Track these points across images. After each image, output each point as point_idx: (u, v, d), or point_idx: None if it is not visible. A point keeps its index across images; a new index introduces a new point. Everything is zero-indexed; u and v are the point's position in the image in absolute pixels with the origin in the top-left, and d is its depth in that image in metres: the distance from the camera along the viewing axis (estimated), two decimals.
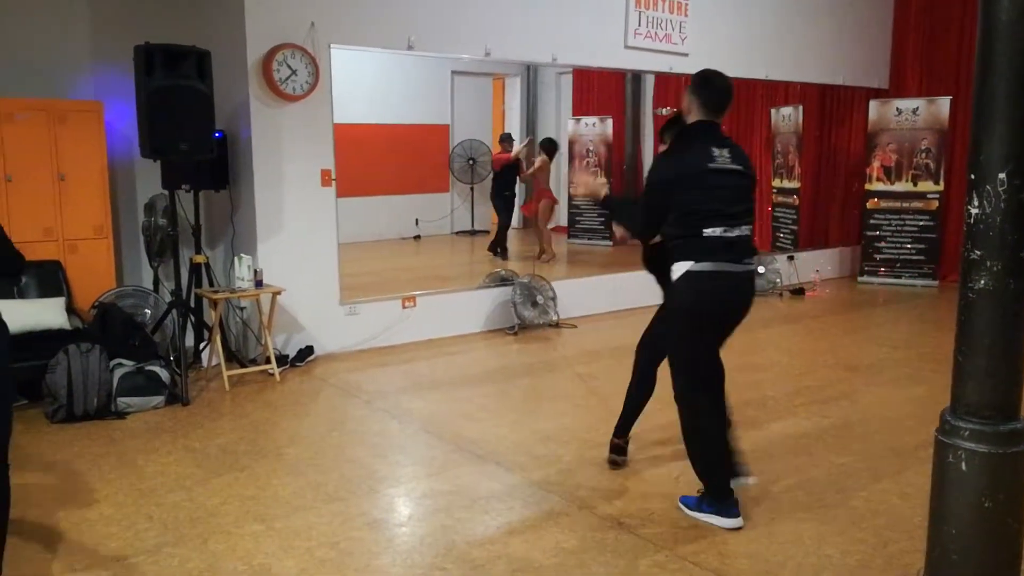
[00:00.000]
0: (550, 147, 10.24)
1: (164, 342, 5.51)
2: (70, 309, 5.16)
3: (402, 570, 3.03)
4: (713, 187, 3.16)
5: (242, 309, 5.85)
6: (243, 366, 5.58)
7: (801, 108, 9.30)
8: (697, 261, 3.16)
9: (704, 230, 3.15)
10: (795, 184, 9.43)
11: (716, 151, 3.20)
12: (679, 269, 3.22)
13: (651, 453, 4.12)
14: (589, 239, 11.54)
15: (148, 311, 5.65)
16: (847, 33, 9.24)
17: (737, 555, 3.10)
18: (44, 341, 4.76)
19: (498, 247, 10.27)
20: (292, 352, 5.83)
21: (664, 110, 11.00)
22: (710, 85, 3.27)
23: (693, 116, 3.29)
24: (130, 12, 5.79)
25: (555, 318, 7.06)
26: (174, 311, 5.35)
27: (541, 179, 10.20)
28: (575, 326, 7.05)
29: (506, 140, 10.81)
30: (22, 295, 5.09)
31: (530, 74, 12.62)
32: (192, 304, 5.56)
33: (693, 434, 3.38)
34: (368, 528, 3.34)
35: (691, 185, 3.16)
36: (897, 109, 9.21)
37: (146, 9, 5.82)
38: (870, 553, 3.13)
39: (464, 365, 5.96)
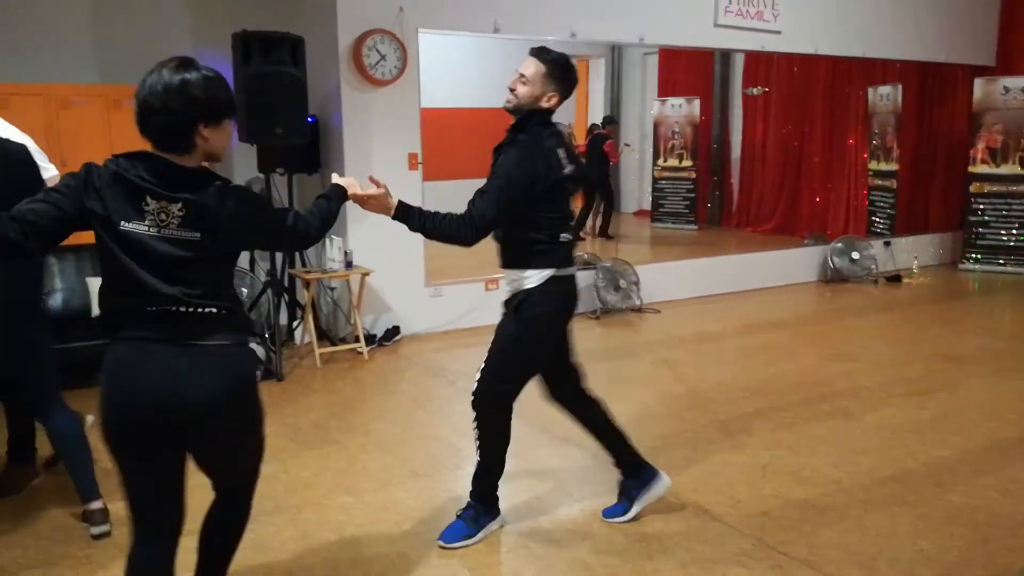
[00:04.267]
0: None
1: (260, 320, 5.71)
2: None
3: (486, 546, 3.08)
4: (568, 191, 3.01)
5: (332, 289, 6.01)
6: (333, 344, 5.75)
7: (900, 87, 8.90)
8: (560, 267, 2.95)
9: (560, 235, 2.96)
10: (893, 167, 9.05)
11: (561, 152, 2.96)
12: (541, 275, 2.92)
13: (737, 440, 4.06)
14: (673, 223, 11.38)
15: (244, 290, 5.87)
16: (950, 7, 8.78)
17: (827, 546, 3.03)
18: None
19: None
20: (379, 332, 5.97)
21: (755, 90, 10.74)
22: (572, 72, 3.00)
23: (550, 104, 2.97)
24: (227, 0, 5.97)
25: (638, 303, 7.00)
26: (269, 290, 5.55)
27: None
28: (659, 311, 6.98)
29: (610, 122, 10.74)
30: None
31: (615, 55, 12.48)
32: (286, 284, 5.74)
33: (493, 441, 3.13)
34: (453, 504, 3.40)
35: (557, 186, 2.91)
36: (1004, 87, 8.72)
37: None
38: (969, 549, 3.01)
39: None
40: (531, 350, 3.03)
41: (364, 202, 2.79)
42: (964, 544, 3.05)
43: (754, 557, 2.96)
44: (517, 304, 2.98)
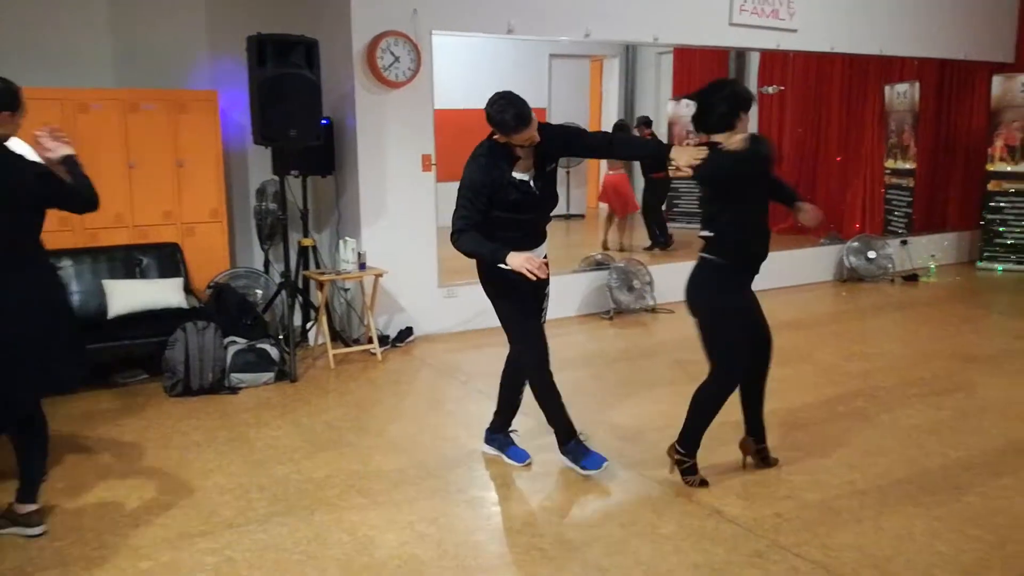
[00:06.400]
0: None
1: (274, 321, 5.75)
2: (187, 289, 5.44)
3: (499, 547, 3.08)
4: None
5: (346, 290, 6.03)
6: (347, 345, 5.77)
7: (917, 84, 8.83)
8: None
9: None
10: (910, 165, 8.98)
11: None
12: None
13: None
14: (688, 222, 11.32)
15: (259, 291, 5.90)
16: (969, 3, 8.69)
17: (842, 547, 3.01)
18: (163, 319, 5.03)
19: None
20: (393, 333, 5.98)
21: (770, 88, 10.65)
22: None
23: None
24: (242, 4, 6.00)
25: (652, 303, 6.98)
26: (283, 292, 5.58)
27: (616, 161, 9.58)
28: (672, 311, 6.95)
29: (645, 124, 10.39)
30: (144, 275, 5.39)
31: (629, 55, 12.44)
32: (300, 285, 5.77)
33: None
34: (466, 505, 3.41)
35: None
36: (1023, 84, 8.62)
37: (257, 1, 6.03)
38: (986, 552, 2.98)
39: (559, 349, 5.91)
40: None
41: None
42: (982, 546, 3.02)
43: (768, 559, 2.95)
44: None
